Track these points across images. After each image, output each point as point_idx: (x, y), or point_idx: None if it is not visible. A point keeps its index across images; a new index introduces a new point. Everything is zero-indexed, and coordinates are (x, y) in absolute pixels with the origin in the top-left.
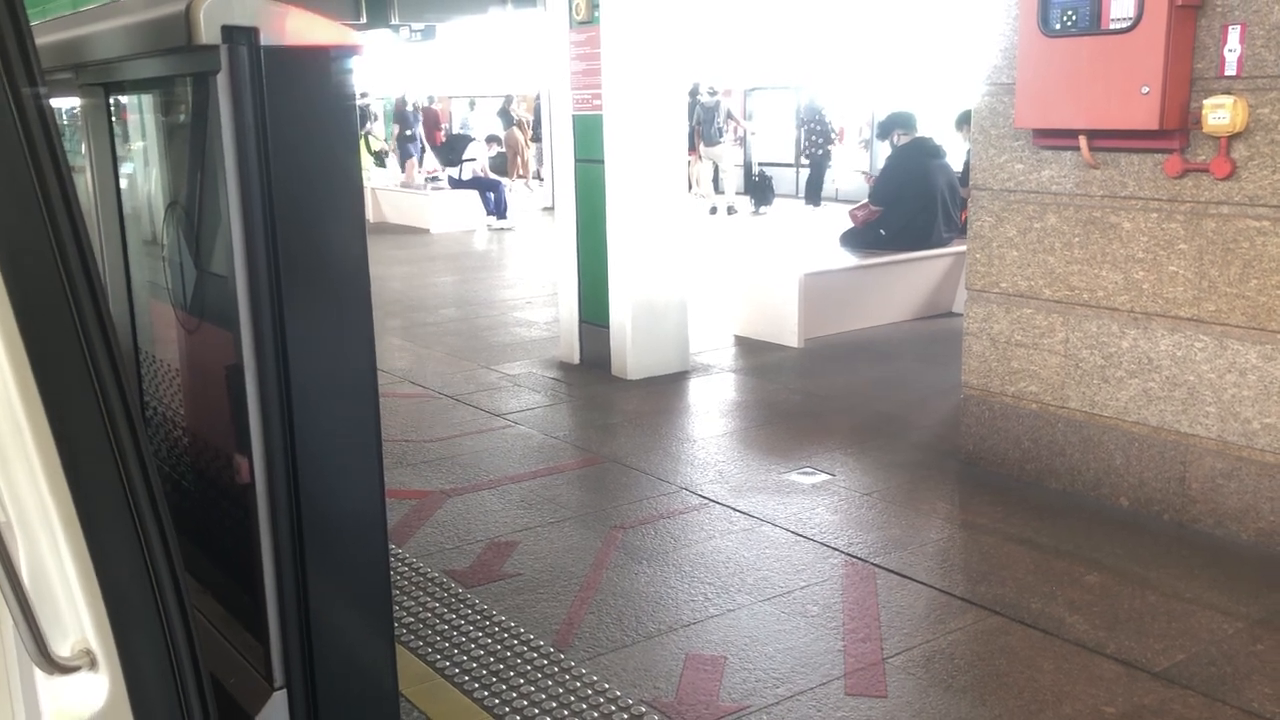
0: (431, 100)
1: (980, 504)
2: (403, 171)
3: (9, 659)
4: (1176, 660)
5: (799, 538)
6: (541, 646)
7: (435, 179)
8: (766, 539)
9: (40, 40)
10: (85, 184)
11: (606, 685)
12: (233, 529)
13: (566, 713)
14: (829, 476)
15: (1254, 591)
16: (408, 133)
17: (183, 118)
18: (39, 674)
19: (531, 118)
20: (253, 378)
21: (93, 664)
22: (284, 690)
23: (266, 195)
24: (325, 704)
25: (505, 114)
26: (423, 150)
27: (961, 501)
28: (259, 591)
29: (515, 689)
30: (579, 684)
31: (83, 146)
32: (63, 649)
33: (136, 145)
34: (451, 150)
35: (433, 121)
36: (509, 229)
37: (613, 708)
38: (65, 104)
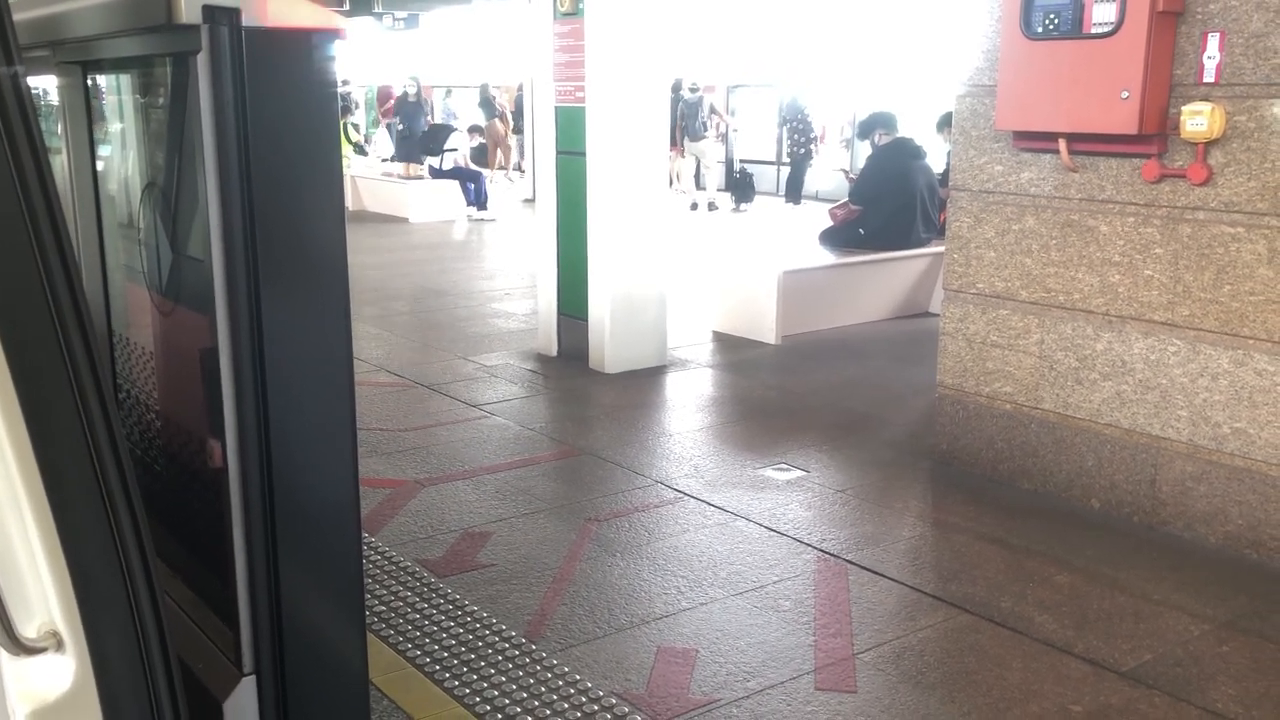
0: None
1: (953, 503)
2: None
3: None
4: (1143, 660)
5: (772, 533)
6: (513, 637)
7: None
8: (740, 534)
9: (17, 16)
10: (61, 165)
11: (578, 676)
12: (204, 514)
13: (537, 703)
14: (803, 473)
15: (1221, 594)
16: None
17: (162, 99)
18: (4, 655)
19: (512, 109)
20: (228, 362)
21: (59, 646)
22: (253, 676)
23: (245, 179)
24: (294, 691)
25: (488, 104)
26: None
27: (934, 500)
28: (230, 577)
29: (486, 679)
30: (550, 675)
31: (59, 126)
32: (29, 630)
33: (114, 126)
34: (432, 140)
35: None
36: (489, 220)
37: (583, 699)
38: (41, 83)
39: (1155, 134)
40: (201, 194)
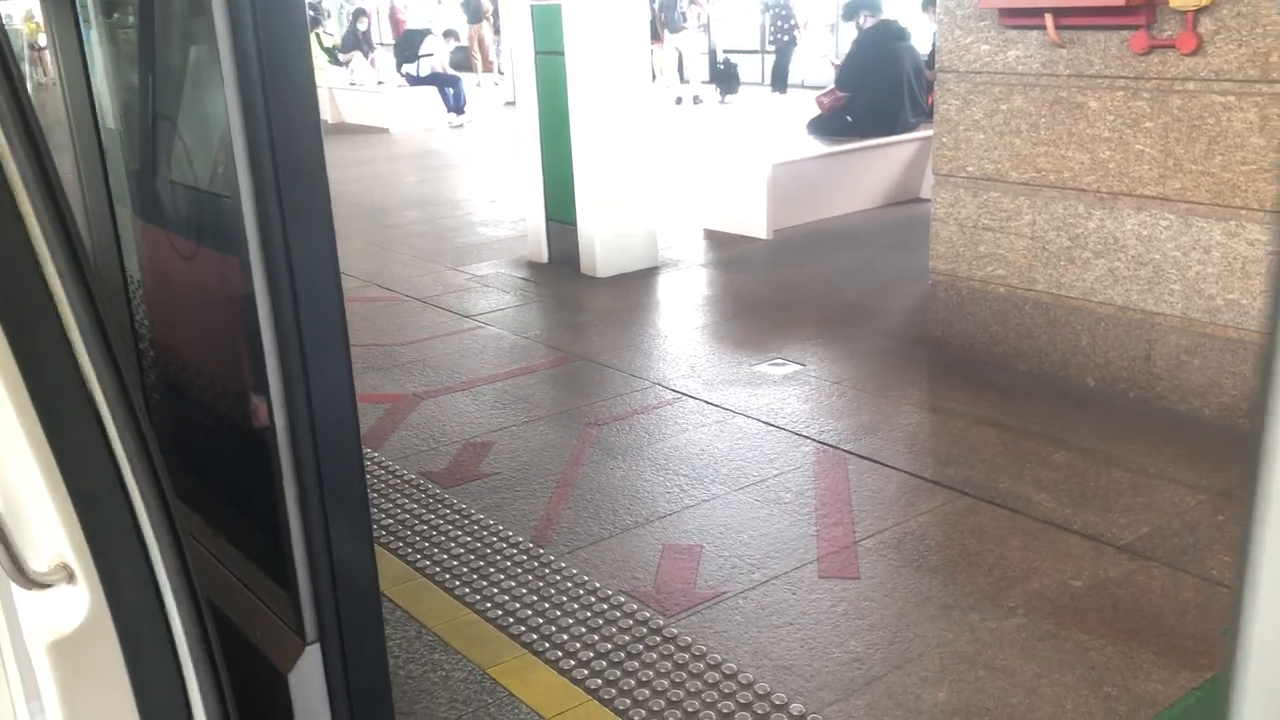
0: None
1: (949, 388)
2: None
3: None
4: (1141, 533)
5: (771, 428)
6: (521, 543)
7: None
8: (739, 430)
9: None
10: (56, 97)
11: (586, 577)
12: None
13: (547, 605)
14: (799, 366)
15: (1216, 464)
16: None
17: (131, 19)
18: (18, 590)
19: (493, 7)
20: (239, 287)
21: (70, 578)
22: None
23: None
24: (317, 600)
25: (472, 6)
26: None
27: (930, 386)
28: (245, 494)
29: (496, 585)
30: (559, 577)
31: (50, 56)
32: (38, 564)
33: (102, 56)
34: (407, 46)
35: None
36: (466, 124)
37: (593, 599)
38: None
39: (1143, 4)
40: (179, 117)
